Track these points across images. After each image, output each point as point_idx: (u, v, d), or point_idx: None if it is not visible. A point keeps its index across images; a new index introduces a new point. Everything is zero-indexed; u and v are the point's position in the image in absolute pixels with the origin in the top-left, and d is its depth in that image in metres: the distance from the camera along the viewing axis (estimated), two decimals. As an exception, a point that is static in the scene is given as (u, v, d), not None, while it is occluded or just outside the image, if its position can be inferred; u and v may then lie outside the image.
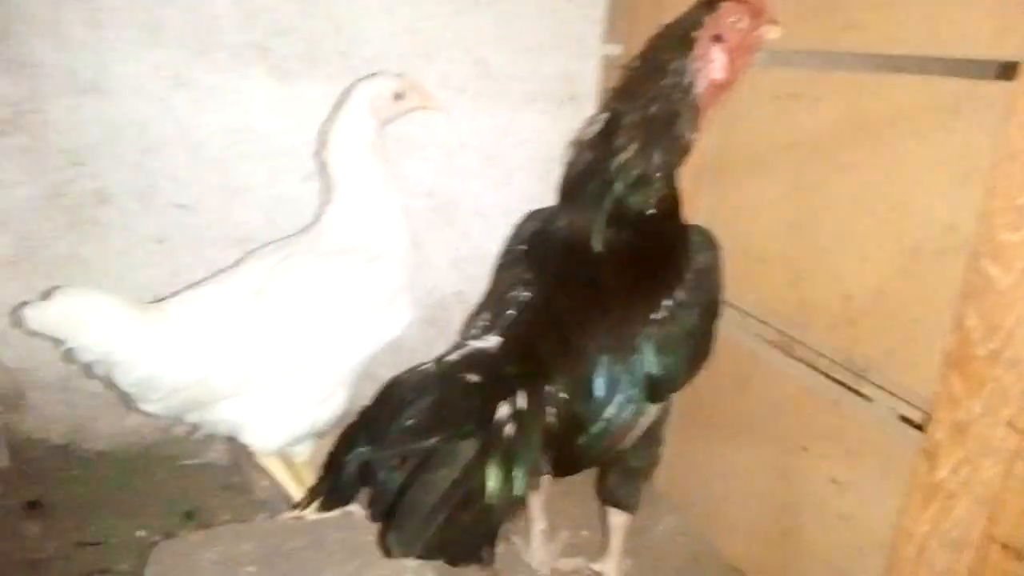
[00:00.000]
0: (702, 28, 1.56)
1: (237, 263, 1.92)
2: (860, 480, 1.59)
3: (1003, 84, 1.28)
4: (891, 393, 1.52)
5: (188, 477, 2.28)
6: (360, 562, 1.68)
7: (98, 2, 1.95)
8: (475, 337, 1.49)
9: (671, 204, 1.63)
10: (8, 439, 2.24)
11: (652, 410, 1.58)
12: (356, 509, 1.83)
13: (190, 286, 1.86)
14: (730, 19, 1.56)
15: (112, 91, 2.03)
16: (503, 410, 1.32)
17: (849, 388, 1.63)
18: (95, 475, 2.24)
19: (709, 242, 1.64)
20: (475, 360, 1.38)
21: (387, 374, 1.48)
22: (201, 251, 2.21)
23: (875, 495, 1.55)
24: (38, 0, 1.92)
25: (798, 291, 1.75)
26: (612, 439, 1.54)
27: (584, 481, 2.22)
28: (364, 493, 1.34)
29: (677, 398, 1.69)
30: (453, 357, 1.39)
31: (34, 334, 1.60)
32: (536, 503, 1.95)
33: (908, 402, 1.48)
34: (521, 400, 1.35)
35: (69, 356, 1.68)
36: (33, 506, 2.09)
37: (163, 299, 1.84)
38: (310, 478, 1.97)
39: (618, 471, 1.73)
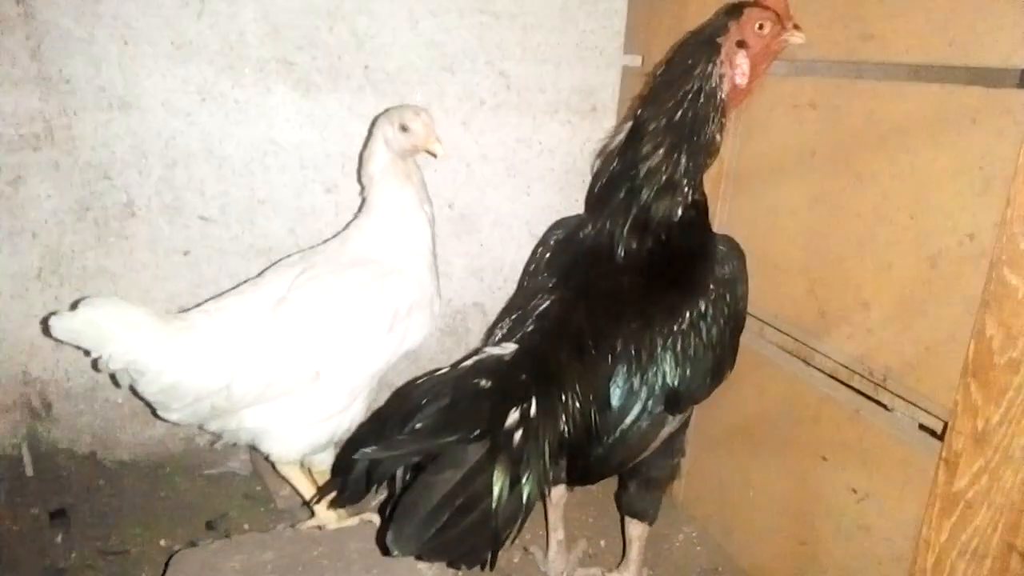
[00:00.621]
0: (727, 33, 1.59)
1: (260, 274, 1.96)
2: (879, 489, 1.58)
3: (1022, 92, 1.28)
4: (910, 402, 1.51)
5: (210, 487, 2.30)
6: (379, 571, 1.69)
7: (128, 19, 2.00)
8: (494, 344, 1.50)
9: (697, 212, 1.64)
10: (33, 449, 2.27)
11: (672, 421, 1.58)
12: (376, 519, 1.85)
13: (214, 297, 1.90)
14: (755, 25, 1.59)
15: (140, 106, 2.08)
16: (513, 416, 1.32)
17: (868, 397, 1.62)
18: (119, 485, 2.27)
19: (735, 252, 1.65)
20: (489, 366, 1.39)
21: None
22: (226, 263, 2.25)
23: (894, 505, 1.53)
24: (70, 18, 1.97)
25: (817, 300, 1.75)
26: (629, 449, 1.54)
27: (601, 491, 2.23)
28: (382, 499, 1.36)
29: (695, 408, 1.69)
30: (468, 363, 1.40)
31: (61, 344, 1.63)
32: (555, 513, 1.95)
33: (927, 411, 1.47)
34: (532, 407, 1.35)
35: (96, 365, 1.71)
36: (57, 515, 2.11)
37: (187, 310, 1.87)
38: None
39: (638, 481, 1.73)
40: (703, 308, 1.57)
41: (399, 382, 2.27)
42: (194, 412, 1.77)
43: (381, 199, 1.91)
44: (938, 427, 1.44)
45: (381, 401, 1.88)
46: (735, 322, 1.64)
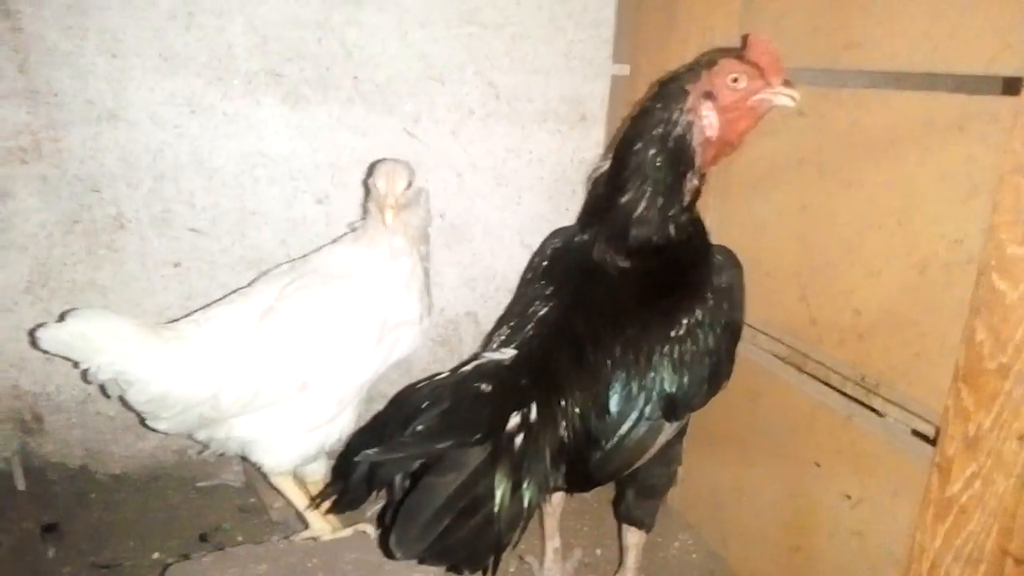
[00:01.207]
0: (697, 82, 1.55)
1: (249, 284, 1.96)
2: (873, 495, 1.58)
3: (1007, 99, 1.29)
4: (902, 408, 1.52)
5: (203, 499, 2.29)
6: (374, 582, 1.69)
7: (116, 33, 2.00)
8: (493, 350, 1.51)
9: (692, 227, 1.65)
10: (24, 463, 2.26)
11: (669, 428, 1.58)
12: (371, 530, 1.85)
13: (203, 307, 1.90)
14: (727, 78, 1.53)
15: (128, 119, 2.07)
16: (514, 420, 1.32)
17: (860, 403, 1.63)
18: (111, 498, 2.26)
19: (732, 262, 1.66)
20: (489, 371, 1.40)
21: (398, 395, 1.49)
22: (216, 274, 2.24)
23: (888, 510, 1.54)
24: (57, 31, 1.96)
25: (808, 307, 1.76)
26: (628, 456, 1.54)
27: (598, 499, 2.23)
28: (377, 509, 1.36)
29: (691, 416, 1.69)
30: (467, 368, 1.41)
31: (52, 358, 1.63)
32: (551, 521, 1.95)
33: (920, 416, 1.48)
34: (533, 412, 1.35)
35: (85, 376, 1.71)
36: (49, 530, 2.10)
37: (176, 321, 1.87)
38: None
39: (635, 489, 1.74)
40: (700, 316, 1.58)
41: (392, 392, 2.28)
42: (183, 421, 1.77)
43: (372, 237, 1.89)
44: (930, 432, 1.45)
45: (373, 411, 1.89)
46: (732, 331, 1.65)
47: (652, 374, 1.51)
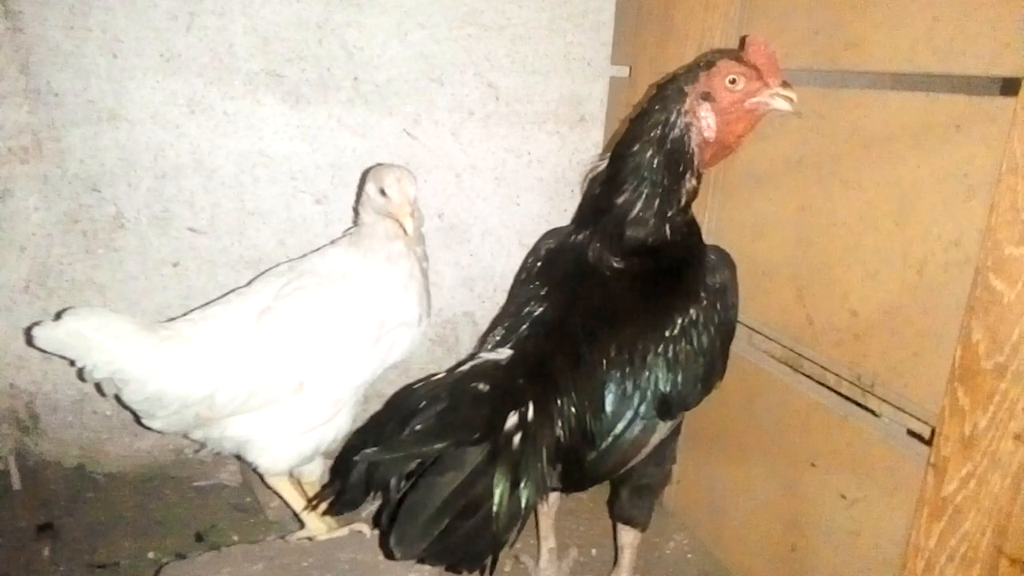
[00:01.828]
0: (695, 83, 1.56)
1: (248, 284, 1.96)
2: (868, 495, 1.58)
3: (1005, 100, 1.29)
4: (898, 408, 1.52)
5: (199, 498, 2.29)
6: (370, 581, 1.69)
7: (117, 33, 2.01)
8: (488, 350, 1.51)
9: (686, 227, 1.65)
10: (20, 462, 2.26)
11: (663, 427, 1.58)
12: (366, 529, 1.84)
13: (201, 307, 1.90)
14: (725, 79, 1.54)
15: (129, 119, 2.08)
16: (512, 420, 1.32)
17: (856, 403, 1.63)
18: (107, 497, 2.25)
19: (726, 262, 1.66)
20: (486, 371, 1.40)
21: (395, 394, 1.49)
22: (215, 274, 2.25)
23: (883, 510, 1.54)
24: (59, 31, 1.97)
25: (804, 307, 1.76)
26: (622, 455, 1.54)
27: (593, 500, 2.23)
28: (372, 510, 1.35)
29: (686, 415, 1.69)
30: (464, 368, 1.41)
31: (49, 357, 1.64)
32: (546, 521, 1.95)
33: (916, 417, 1.48)
34: (530, 411, 1.36)
35: (81, 375, 1.71)
36: (45, 529, 2.09)
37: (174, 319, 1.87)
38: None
39: (629, 488, 1.74)
40: (694, 316, 1.58)
41: (389, 392, 2.28)
42: (178, 421, 1.78)
43: (369, 244, 1.88)
44: (926, 432, 1.44)
45: (370, 411, 1.89)
46: (725, 330, 1.65)
47: (647, 373, 1.52)
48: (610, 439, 1.50)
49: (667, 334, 1.55)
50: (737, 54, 1.58)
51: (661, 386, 1.53)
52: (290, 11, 2.10)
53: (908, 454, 1.48)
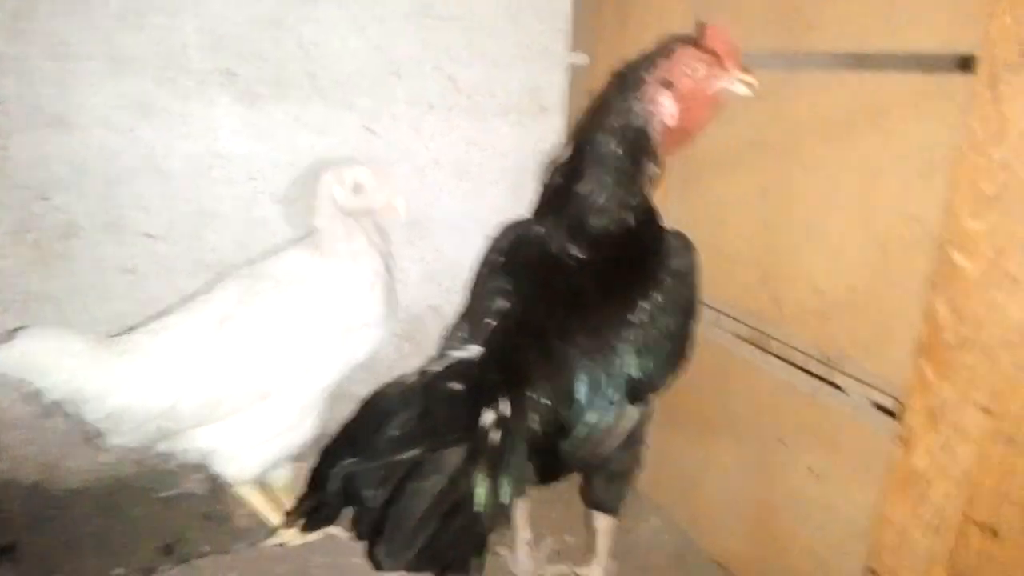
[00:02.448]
0: (654, 71, 1.56)
1: (206, 290, 1.91)
2: (839, 470, 1.60)
3: (962, 77, 1.31)
4: (866, 383, 1.54)
5: (166, 510, 2.23)
6: (346, 583, 1.66)
7: (64, 36, 1.94)
8: (456, 348, 1.49)
9: (645, 214, 1.65)
10: (-24, 484, 2.19)
11: (634, 412, 1.59)
12: (339, 532, 1.81)
13: (158, 315, 1.85)
14: (684, 66, 1.54)
15: (77, 123, 2.02)
16: (487, 417, 1.31)
17: (824, 380, 1.65)
18: (69, 514, 2.19)
19: (686, 246, 1.67)
20: (457, 369, 1.38)
21: (364, 392, 1.46)
22: (173, 280, 2.19)
23: (854, 484, 1.56)
24: (3, 37, 1.90)
25: (770, 288, 1.78)
26: (595, 443, 1.54)
27: (566, 487, 2.20)
28: (347, 513, 1.33)
29: (657, 398, 1.70)
30: (435, 367, 1.39)
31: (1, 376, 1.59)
32: (520, 512, 1.94)
33: (882, 391, 1.50)
34: (505, 407, 1.34)
35: (38, 396, 1.65)
36: (5, 552, 2.02)
37: (131, 329, 1.82)
38: (288, 502, 1.95)
39: (602, 475, 1.74)
40: (659, 300, 1.58)
41: (357, 390, 2.25)
42: (141, 435, 1.73)
43: (329, 246, 1.86)
44: (894, 406, 1.47)
45: (338, 409, 1.86)
46: (690, 312, 1.66)
47: (616, 360, 1.52)
48: (584, 428, 1.49)
49: (633, 320, 1.55)
50: (696, 40, 1.58)
51: (631, 371, 1.53)
52: (243, 9, 2.06)
53: (876, 429, 1.50)
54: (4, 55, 1.92)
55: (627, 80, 1.59)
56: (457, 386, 1.34)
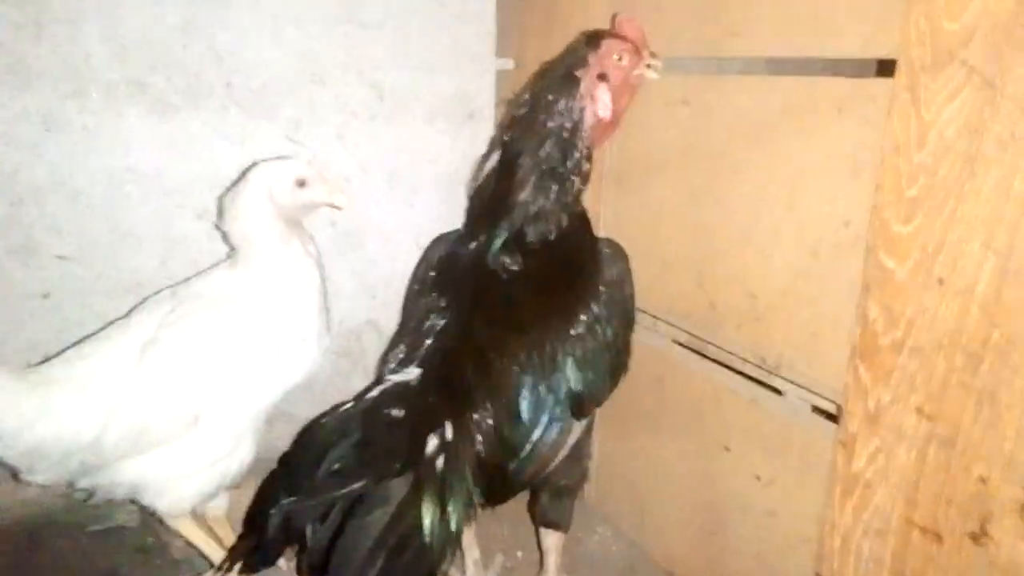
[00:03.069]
0: (587, 66, 1.57)
1: (127, 314, 1.82)
2: (782, 475, 1.62)
3: (884, 81, 1.32)
4: (804, 388, 1.55)
5: (97, 544, 2.13)
6: (289, 615, 1.61)
7: (-47, 47, 1.81)
8: (393, 371, 1.45)
9: (579, 221, 1.64)
10: None
11: (578, 427, 1.58)
12: (283, 563, 1.76)
13: (76, 343, 1.76)
14: (614, 56, 1.58)
15: (-25, 141, 1.89)
16: (432, 443, 1.28)
17: (764, 385, 1.66)
18: (-7, 553, 2.08)
19: (618, 254, 1.66)
20: (396, 394, 1.35)
21: (302, 412, 1.40)
22: (90, 303, 2.07)
23: (797, 489, 1.58)
24: None
25: (705, 292, 1.78)
26: (542, 460, 1.53)
27: (514, 502, 2.19)
28: (291, 547, 1.28)
29: (599, 409, 1.69)
30: (373, 393, 1.35)
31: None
32: (468, 533, 1.91)
33: (822, 395, 1.51)
34: (448, 431, 1.31)
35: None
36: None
37: (49, 359, 1.73)
38: (226, 533, 1.88)
39: (549, 491, 1.72)
40: (596, 311, 1.58)
41: (294, 411, 2.17)
42: (63, 471, 1.63)
43: (261, 256, 1.78)
44: (833, 410, 1.48)
45: (275, 433, 1.80)
46: (626, 321, 1.67)
47: (558, 374, 1.50)
48: (529, 446, 1.47)
49: (573, 332, 1.54)
50: (611, 32, 1.62)
51: (573, 385, 1.52)
52: (149, 14, 1.95)
53: (817, 433, 1.51)
54: None
55: (557, 78, 1.58)
56: (397, 412, 1.30)
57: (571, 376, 1.52)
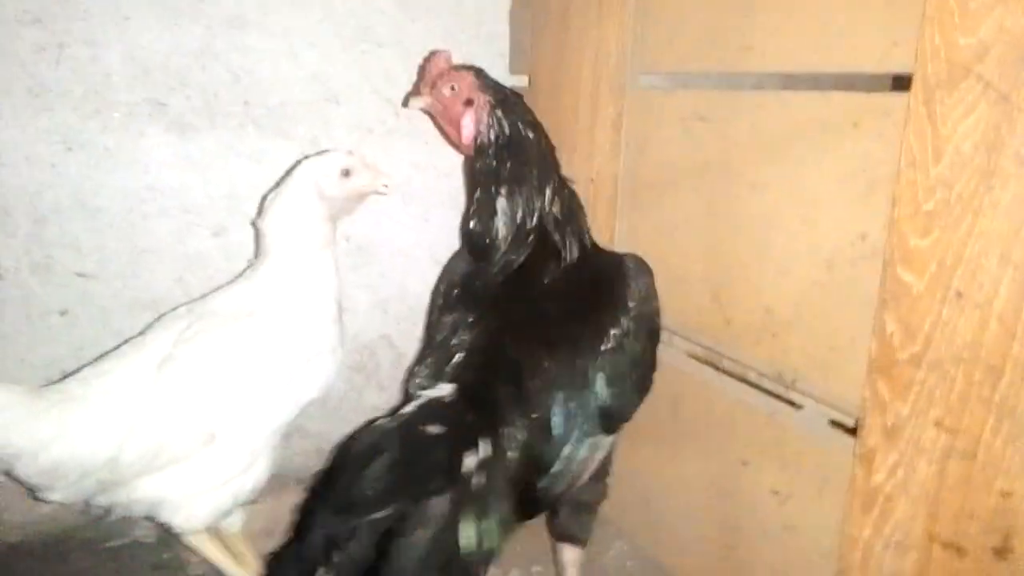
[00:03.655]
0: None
1: (143, 331, 1.84)
2: (801, 490, 1.61)
3: (899, 95, 1.32)
4: (822, 402, 1.55)
5: (114, 560, 2.13)
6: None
7: (-26, 69, 1.85)
8: (424, 387, 1.44)
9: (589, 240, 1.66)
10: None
11: (607, 442, 1.58)
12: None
13: (94, 360, 1.77)
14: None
15: (-1, 161, 1.92)
16: (469, 460, 1.27)
17: (781, 399, 1.65)
18: (10, 570, 2.08)
19: (644, 269, 1.66)
20: (433, 411, 1.33)
21: (316, 426, 1.40)
22: (108, 320, 2.10)
23: (816, 503, 1.57)
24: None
25: (721, 308, 1.78)
26: (572, 476, 1.52)
27: (531, 518, 2.20)
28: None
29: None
30: (409, 409, 1.34)
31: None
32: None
33: (839, 409, 1.51)
34: (485, 448, 1.31)
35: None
36: (-57, 612, 1.93)
37: (67, 375, 1.74)
38: (242, 549, 1.88)
39: (569, 507, 1.71)
40: (625, 326, 1.58)
41: (308, 425, 2.19)
42: (80, 490, 1.64)
43: (293, 259, 1.80)
44: (851, 425, 1.47)
45: (292, 448, 1.80)
46: (653, 336, 1.67)
47: (588, 390, 1.50)
48: (560, 462, 1.47)
49: (603, 348, 1.54)
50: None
51: (603, 401, 1.51)
52: (168, 37, 1.98)
53: (836, 447, 1.50)
54: (-86, 91, 1.82)
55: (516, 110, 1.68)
56: (435, 429, 1.29)
57: (601, 391, 1.51)
